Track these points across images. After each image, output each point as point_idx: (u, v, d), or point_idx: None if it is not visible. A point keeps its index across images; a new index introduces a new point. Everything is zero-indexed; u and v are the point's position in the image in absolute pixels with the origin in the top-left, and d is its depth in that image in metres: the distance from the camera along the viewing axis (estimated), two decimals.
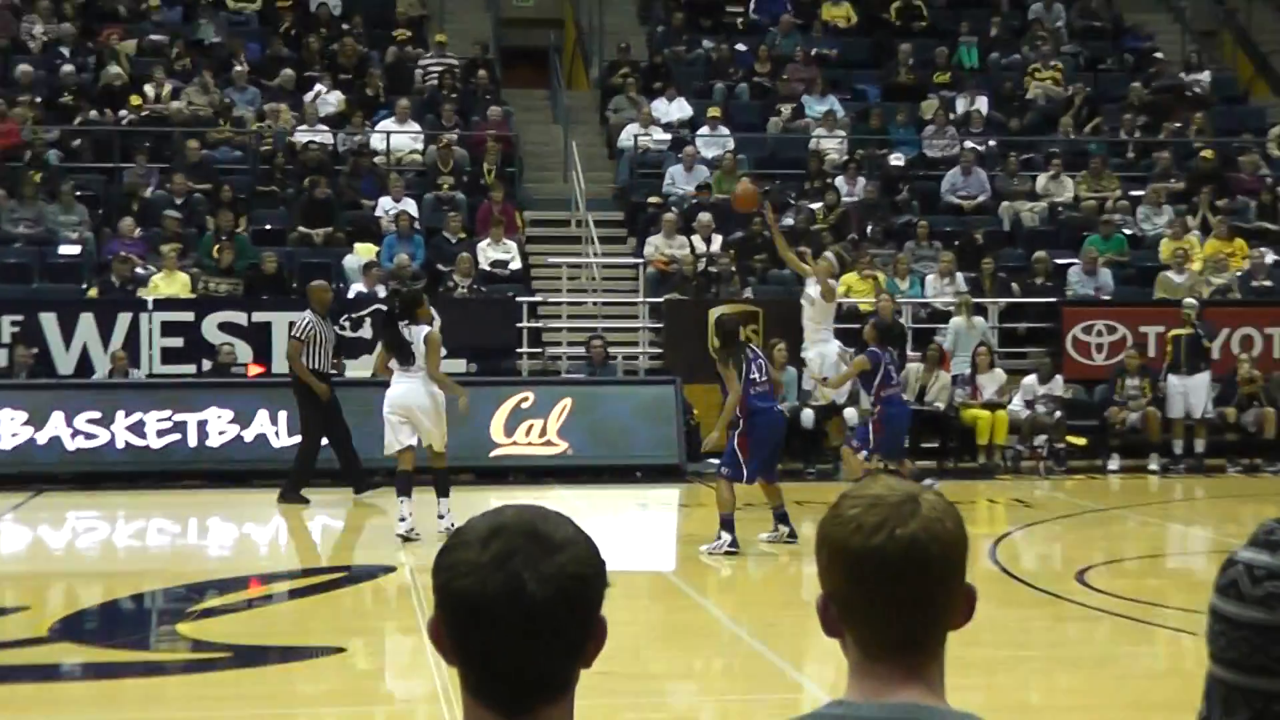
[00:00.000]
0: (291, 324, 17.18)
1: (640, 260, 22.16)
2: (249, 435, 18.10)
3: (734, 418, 12.89)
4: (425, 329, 13.71)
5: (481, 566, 2.00)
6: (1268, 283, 22.01)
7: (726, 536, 12.81)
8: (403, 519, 13.57)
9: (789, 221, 22.64)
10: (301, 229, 21.85)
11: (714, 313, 17.11)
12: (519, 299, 20.97)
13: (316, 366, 16.48)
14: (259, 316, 19.59)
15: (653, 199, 23.29)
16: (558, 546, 2.02)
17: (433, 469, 13.84)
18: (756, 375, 12.84)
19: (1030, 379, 19.92)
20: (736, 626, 10.21)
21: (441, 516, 13.50)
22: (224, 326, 19.49)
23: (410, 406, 13.61)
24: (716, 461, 19.51)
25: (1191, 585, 11.54)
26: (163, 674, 9.14)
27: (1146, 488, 18.69)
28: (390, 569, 12.49)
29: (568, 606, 2.00)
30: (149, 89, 24.18)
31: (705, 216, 22.26)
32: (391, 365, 13.74)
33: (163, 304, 19.67)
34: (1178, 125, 25.93)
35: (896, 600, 2.16)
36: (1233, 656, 2.09)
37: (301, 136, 23.65)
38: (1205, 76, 27.56)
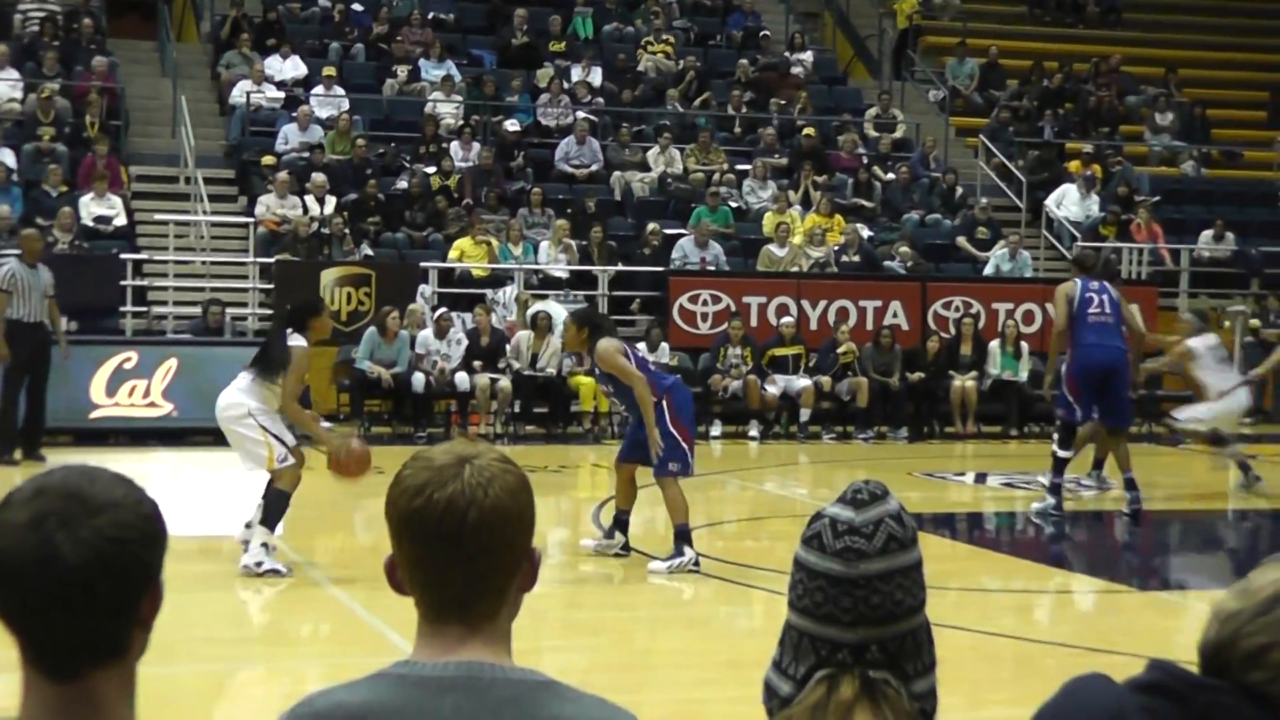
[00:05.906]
0: None
1: (251, 220, 21.74)
2: None
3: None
4: None
5: (18, 528, 1.94)
6: (856, 258, 22.87)
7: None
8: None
9: (403, 185, 22.57)
10: None
11: None
12: (123, 256, 20.36)
13: (23, 316, 15.81)
14: None
15: (265, 158, 22.87)
16: (98, 509, 1.96)
17: None
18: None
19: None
20: (339, 590, 10.18)
21: None
22: None
23: None
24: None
25: (786, 548, 11.97)
26: None
27: (747, 453, 19.30)
28: None
29: (104, 570, 1.94)
30: None
31: (319, 177, 21.98)
32: None
33: None
34: (782, 103, 26.79)
35: (437, 562, 2.21)
36: (807, 604, 2.21)
37: None
38: (808, 57, 28.52)
